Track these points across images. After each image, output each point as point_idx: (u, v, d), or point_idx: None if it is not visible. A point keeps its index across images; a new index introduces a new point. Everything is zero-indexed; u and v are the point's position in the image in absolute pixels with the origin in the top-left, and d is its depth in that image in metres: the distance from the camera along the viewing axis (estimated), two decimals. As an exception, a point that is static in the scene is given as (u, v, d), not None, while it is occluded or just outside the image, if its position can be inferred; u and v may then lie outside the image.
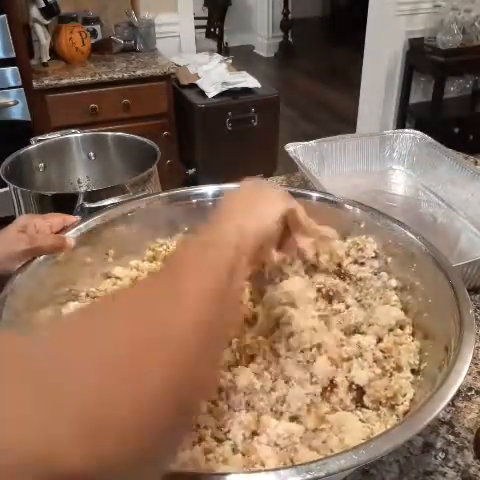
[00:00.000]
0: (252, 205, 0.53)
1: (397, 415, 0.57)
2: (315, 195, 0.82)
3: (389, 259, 0.73)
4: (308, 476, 0.41)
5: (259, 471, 0.49)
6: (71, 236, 0.71)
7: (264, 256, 0.57)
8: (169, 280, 0.40)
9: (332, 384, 0.59)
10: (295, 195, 0.80)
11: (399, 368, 0.61)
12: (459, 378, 0.48)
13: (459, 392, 0.47)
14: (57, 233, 0.70)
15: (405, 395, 0.58)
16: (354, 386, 0.59)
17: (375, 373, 0.60)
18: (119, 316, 0.34)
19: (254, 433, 0.55)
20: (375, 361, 0.62)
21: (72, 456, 0.26)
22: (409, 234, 0.71)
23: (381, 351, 0.63)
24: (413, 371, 0.61)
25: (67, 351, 0.30)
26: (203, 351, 0.36)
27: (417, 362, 0.61)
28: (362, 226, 0.76)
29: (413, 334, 0.66)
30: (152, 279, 0.48)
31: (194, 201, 0.82)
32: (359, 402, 0.59)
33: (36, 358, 0.29)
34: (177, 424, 0.34)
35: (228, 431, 0.54)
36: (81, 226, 0.73)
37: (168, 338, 0.34)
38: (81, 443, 0.27)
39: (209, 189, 0.83)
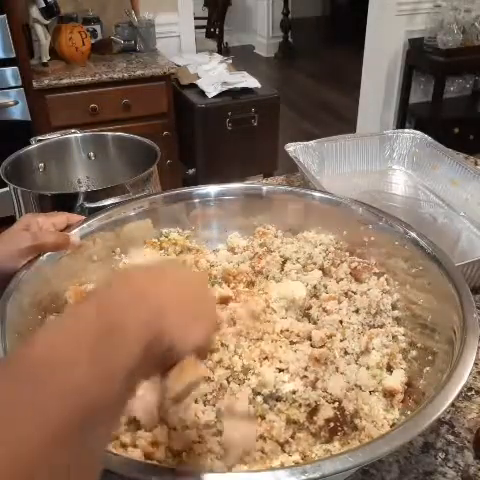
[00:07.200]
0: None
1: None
2: (318, 195, 0.82)
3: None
4: (305, 477, 0.40)
5: (254, 472, 0.49)
6: (76, 234, 0.71)
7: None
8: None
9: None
10: (299, 195, 0.82)
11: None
12: (457, 388, 0.47)
13: (459, 392, 0.47)
14: (61, 231, 0.71)
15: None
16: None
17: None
18: None
19: None
20: None
21: None
22: (414, 235, 0.71)
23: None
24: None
25: None
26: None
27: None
28: (370, 227, 0.76)
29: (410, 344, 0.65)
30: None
31: (196, 201, 0.83)
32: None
33: None
34: None
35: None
36: (84, 225, 0.74)
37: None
38: None
39: (211, 189, 0.84)
